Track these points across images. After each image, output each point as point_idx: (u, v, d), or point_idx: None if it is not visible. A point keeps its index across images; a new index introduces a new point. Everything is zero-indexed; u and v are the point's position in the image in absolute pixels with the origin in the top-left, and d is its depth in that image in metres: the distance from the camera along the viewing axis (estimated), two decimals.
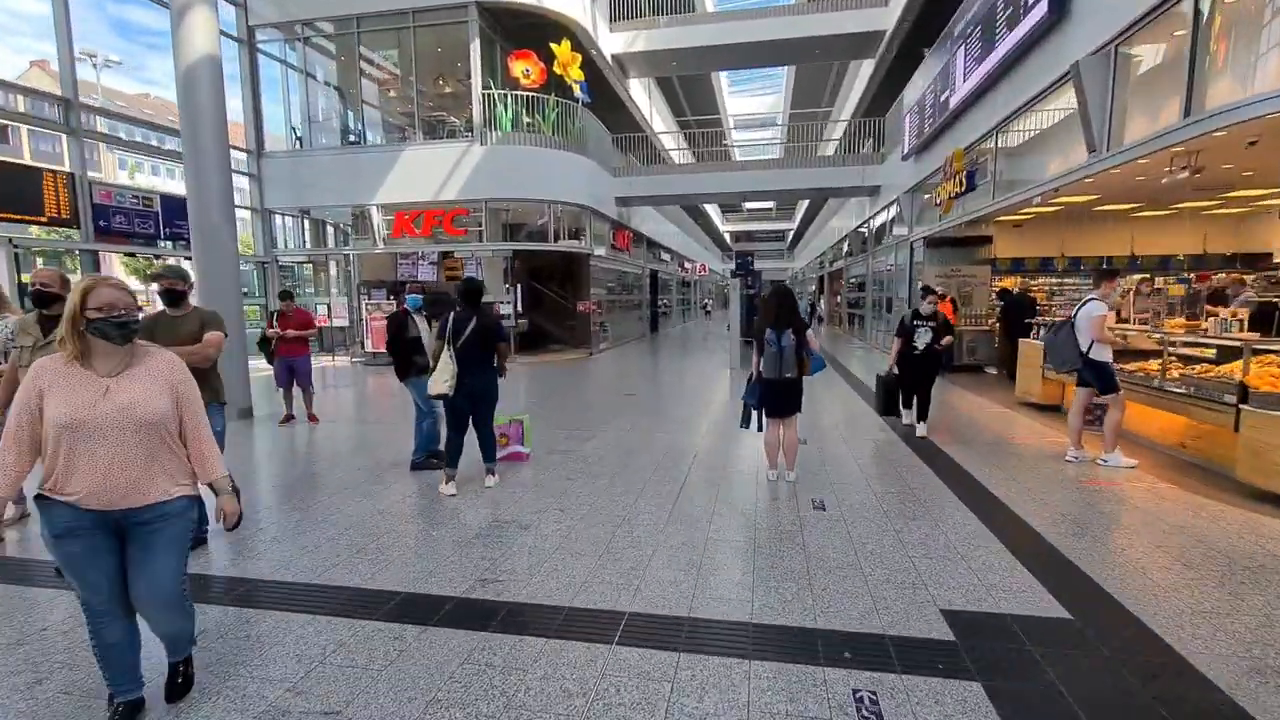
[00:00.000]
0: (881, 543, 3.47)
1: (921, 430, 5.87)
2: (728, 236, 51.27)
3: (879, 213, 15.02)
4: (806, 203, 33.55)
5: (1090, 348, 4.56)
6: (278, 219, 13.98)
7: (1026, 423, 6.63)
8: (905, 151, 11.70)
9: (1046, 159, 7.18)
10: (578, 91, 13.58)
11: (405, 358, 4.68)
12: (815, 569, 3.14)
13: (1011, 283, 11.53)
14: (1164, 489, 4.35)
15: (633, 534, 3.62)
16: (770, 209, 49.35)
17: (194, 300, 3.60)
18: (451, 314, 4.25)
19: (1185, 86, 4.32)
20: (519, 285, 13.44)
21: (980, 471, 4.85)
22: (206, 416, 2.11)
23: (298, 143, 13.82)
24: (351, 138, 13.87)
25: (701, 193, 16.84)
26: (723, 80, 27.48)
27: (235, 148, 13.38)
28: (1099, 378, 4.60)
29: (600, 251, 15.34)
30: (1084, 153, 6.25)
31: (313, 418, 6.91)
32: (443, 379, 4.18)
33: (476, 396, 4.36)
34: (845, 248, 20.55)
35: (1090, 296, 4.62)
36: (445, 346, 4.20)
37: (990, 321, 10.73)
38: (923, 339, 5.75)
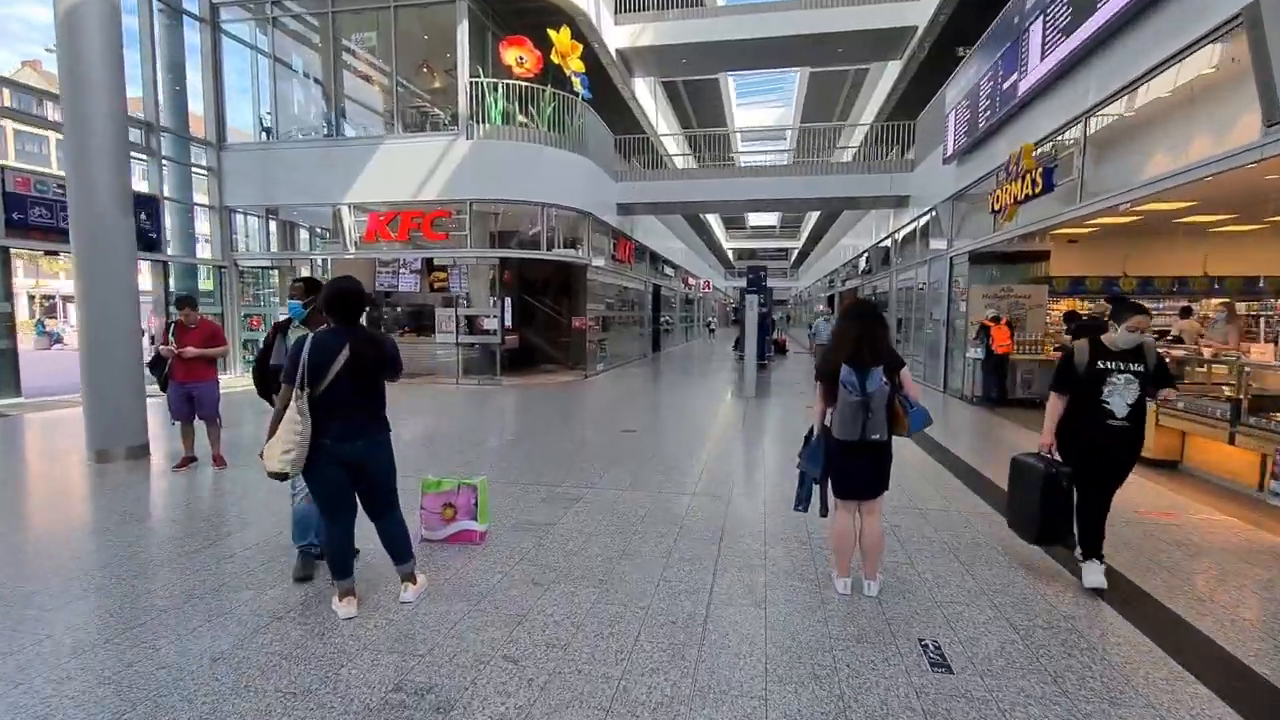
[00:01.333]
0: None
1: (1095, 579, 3.06)
2: (730, 253, 50.08)
3: (907, 224, 13.58)
4: (814, 221, 32.26)
5: None
6: (239, 218, 12.52)
7: (1147, 487, 5.07)
8: (948, 154, 10.28)
9: (1155, 148, 5.72)
10: (577, 85, 12.19)
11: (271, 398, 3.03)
12: None
13: (1076, 304, 10.04)
14: None
15: None
16: (774, 226, 48.13)
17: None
18: (308, 338, 2.59)
19: None
20: (508, 298, 11.92)
21: (1141, 575, 3.28)
22: None
23: (264, 135, 12.42)
24: (325, 129, 12.47)
25: (712, 200, 15.43)
26: (731, 90, 26.31)
27: (194, 139, 12.03)
28: None
29: (599, 263, 13.86)
30: (1210, 138, 4.80)
31: (219, 460, 5.33)
32: (281, 449, 2.51)
33: (357, 469, 2.73)
34: (863, 264, 19.09)
35: None
36: (296, 392, 2.54)
37: (1050, 349, 9.22)
38: (1122, 398, 2.93)
